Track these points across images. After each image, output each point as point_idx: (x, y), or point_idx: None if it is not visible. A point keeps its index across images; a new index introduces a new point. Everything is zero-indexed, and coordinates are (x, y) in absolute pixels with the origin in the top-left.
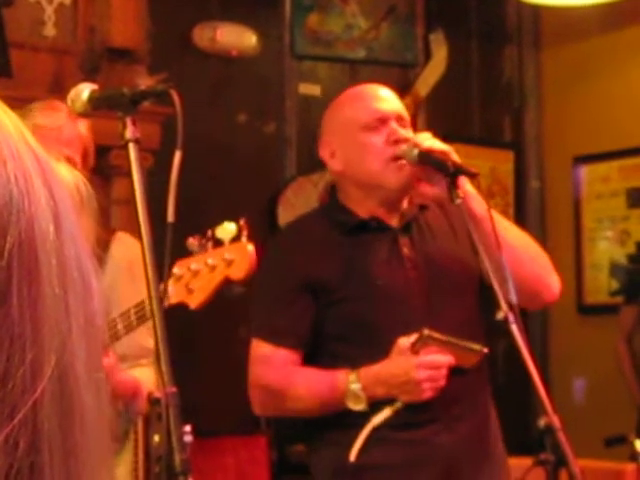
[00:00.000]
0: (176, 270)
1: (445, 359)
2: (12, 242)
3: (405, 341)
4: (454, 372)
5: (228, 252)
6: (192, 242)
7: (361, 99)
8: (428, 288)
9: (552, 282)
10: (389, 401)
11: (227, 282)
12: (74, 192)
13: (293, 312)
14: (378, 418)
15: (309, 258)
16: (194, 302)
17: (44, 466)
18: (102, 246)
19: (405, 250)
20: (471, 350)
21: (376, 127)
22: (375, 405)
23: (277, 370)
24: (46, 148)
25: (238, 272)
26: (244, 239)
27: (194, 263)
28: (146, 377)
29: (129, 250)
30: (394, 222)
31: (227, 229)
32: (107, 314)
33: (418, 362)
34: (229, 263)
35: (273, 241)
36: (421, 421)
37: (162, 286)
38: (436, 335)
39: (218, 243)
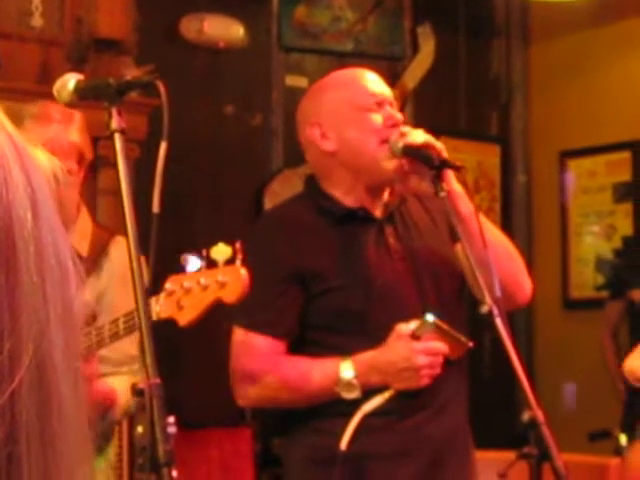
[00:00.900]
0: (168, 285)
1: (443, 346)
2: None
3: (405, 327)
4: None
5: (222, 274)
6: (186, 260)
7: (353, 81)
8: (416, 279)
9: (526, 284)
10: (379, 389)
11: (218, 304)
12: (51, 178)
13: (280, 302)
14: (369, 406)
15: (298, 246)
16: (183, 319)
17: (22, 456)
18: (100, 249)
19: (391, 241)
20: (460, 342)
21: (374, 109)
22: (364, 393)
23: (262, 359)
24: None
25: (230, 295)
26: (238, 262)
27: (187, 281)
28: (124, 388)
29: (126, 254)
30: (378, 212)
31: (222, 250)
32: (96, 316)
33: (421, 348)
34: (222, 285)
35: (258, 226)
36: (410, 409)
37: (147, 278)
38: (438, 322)
39: (212, 264)
